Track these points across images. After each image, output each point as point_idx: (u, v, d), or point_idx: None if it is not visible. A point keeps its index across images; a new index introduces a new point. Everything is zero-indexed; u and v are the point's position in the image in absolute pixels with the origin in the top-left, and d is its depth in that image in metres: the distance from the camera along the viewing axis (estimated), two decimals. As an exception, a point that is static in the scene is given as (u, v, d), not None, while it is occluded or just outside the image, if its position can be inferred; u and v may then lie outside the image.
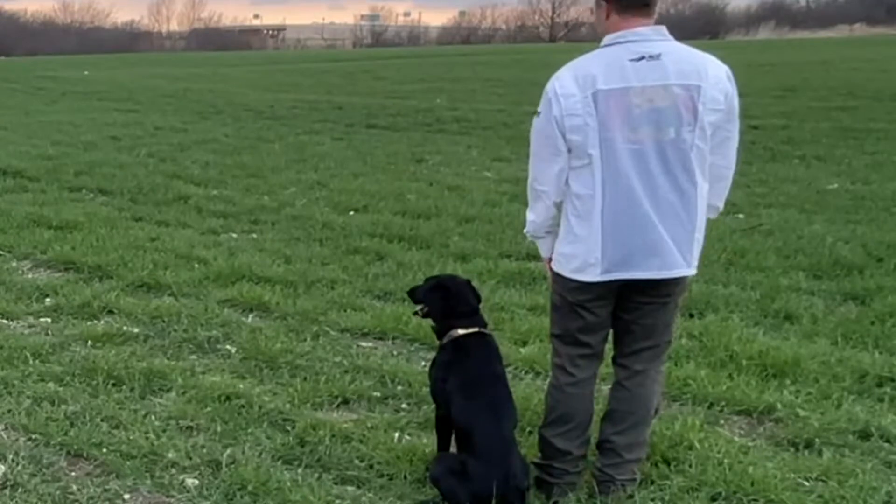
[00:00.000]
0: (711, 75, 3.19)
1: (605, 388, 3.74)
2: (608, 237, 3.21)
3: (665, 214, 3.19)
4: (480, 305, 3.79)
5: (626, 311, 3.40)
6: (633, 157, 3.18)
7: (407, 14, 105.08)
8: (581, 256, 3.27)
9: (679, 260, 3.23)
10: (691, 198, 3.20)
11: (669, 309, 3.39)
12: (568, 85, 3.22)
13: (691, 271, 3.29)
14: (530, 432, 3.91)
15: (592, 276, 3.26)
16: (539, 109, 3.31)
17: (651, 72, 3.17)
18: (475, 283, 3.96)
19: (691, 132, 3.17)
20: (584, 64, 3.27)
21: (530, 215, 3.44)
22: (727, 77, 3.23)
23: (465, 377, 3.53)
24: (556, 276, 3.40)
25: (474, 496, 3.29)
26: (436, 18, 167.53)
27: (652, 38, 3.24)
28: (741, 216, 8.45)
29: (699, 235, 3.28)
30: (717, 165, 3.28)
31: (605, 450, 3.50)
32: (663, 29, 3.29)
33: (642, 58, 3.19)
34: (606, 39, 3.29)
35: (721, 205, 3.45)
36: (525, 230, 3.52)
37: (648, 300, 3.35)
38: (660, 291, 3.33)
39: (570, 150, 3.24)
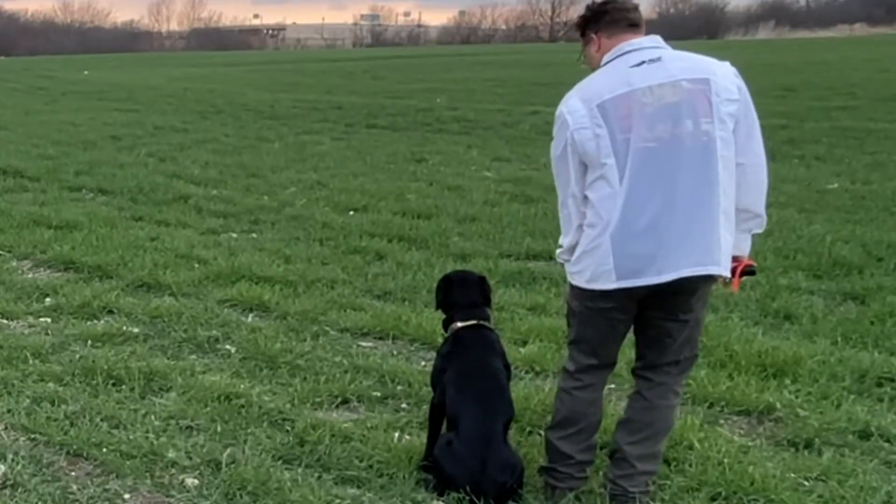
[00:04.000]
0: (718, 71, 3.18)
1: (614, 394, 3.73)
2: (620, 245, 3.15)
3: (682, 214, 3.11)
4: (491, 302, 3.85)
5: (649, 327, 3.35)
6: (651, 156, 3.12)
7: (407, 14, 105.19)
8: (594, 266, 3.21)
9: (698, 260, 3.12)
10: (713, 193, 3.10)
11: (691, 325, 3.32)
12: (574, 103, 3.25)
13: (710, 270, 3.15)
14: (530, 432, 3.92)
15: (607, 283, 3.20)
16: (553, 135, 3.32)
17: (654, 72, 3.17)
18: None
19: (710, 123, 3.10)
20: (588, 83, 3.30)
21: (563, 240, 3.38)
22: (734, 74, 3.20)
23: (461, 369, 3.59)
24: (575, 287, 3.35)
25: (450, 478, 3.39)
26: (436, 18, 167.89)
27: (648, 45, 3.26)
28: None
29: (723, 233, 3.14)
30: (745, 165, 3.17)
31: (616, 459, 3.42)
32: (658, 38, 3.30)
33: (642, 62, 3.20)
34: (604, 59, 3.32)
35: (762, 211, 3.26)
36: (557, 252, 3.45)
37: (669, 316, 3.28)
38: (679, 303, 3.25)
39: (586, 167, 3.22)
